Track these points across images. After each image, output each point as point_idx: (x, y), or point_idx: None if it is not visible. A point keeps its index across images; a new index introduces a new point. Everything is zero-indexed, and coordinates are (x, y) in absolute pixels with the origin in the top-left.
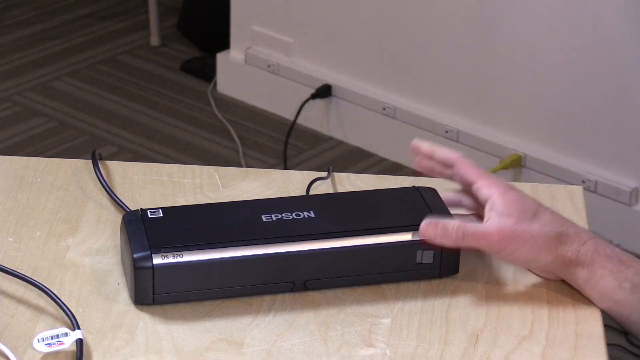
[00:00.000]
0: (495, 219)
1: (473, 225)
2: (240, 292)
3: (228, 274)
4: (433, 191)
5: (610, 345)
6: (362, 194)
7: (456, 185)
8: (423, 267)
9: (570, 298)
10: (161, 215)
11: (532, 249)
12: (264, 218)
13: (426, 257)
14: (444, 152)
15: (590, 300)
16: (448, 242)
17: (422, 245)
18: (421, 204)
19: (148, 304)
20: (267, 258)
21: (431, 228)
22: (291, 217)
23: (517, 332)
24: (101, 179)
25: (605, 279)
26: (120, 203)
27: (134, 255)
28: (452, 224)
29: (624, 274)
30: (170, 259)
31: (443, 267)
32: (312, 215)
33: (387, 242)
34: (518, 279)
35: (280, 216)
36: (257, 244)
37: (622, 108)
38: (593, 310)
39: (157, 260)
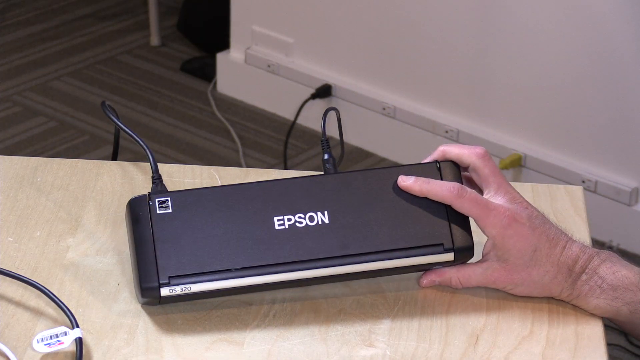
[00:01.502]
0: (490, 266)
1: (469, 275)
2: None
3: (236, 292)
4: (453, 166)
5: (610, 345)
6: (381, 176)
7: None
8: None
9: None
10: (170, 210)
11: (525, 291)
12: (276, 223)
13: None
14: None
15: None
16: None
17: (434, 265)
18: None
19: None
20: (278, 284)
21: (428, 281)
22: (304, 224)
23: (517, 332)
24: (118, 122)
25: (601, 305)
26: (141, 143)
27: (142, 285)
28: (449, 276)
29: (620, 300)
30: (178, 292)
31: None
32: (327, 220)
33: (399, 267)
34: None
35: (292, 220)
36: (268, 273)
37: (622, 108)
38: None
39: (165, 292)
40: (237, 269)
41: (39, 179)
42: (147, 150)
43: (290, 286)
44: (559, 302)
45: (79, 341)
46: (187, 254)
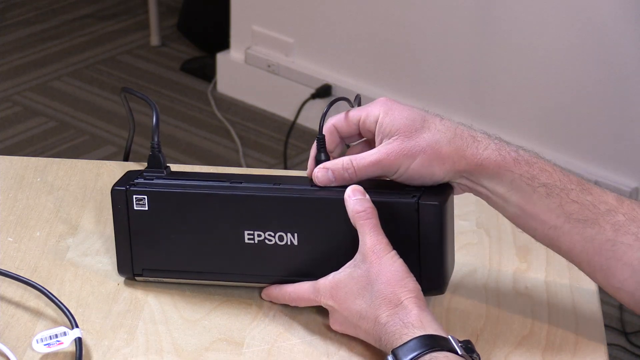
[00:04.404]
0: (383, 143)
1: (362, 157)
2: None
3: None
4: (435, 208)
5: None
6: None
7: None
8: None
9: (570, 298)
10: (146, 208)
11: (424, 163)
12: (246, 237)
13: None
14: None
15: (500, 211)
16: (345, 181)
17: None
18: (413, 230)
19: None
20: (241, 288)
21: (322, 174)
22: (273, 242)
23: (517, 332)
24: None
25: (517, 183)
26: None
27: (119, 273)
28: (340, 162)
29: (537, 179)
30: (151, 281)
31: (424, 286)
32: (295, 242)
33: None
34: (518, 279)
35: (262, 237)
36: (232, 280)
37: (622, 108)
38: (593, 311)
39: (139, 279)
40: (205, 272)
41: (39, 179)
42: (154, 109)
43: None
44: (559, 303)
45: (79, 341)
46: (159, 253)
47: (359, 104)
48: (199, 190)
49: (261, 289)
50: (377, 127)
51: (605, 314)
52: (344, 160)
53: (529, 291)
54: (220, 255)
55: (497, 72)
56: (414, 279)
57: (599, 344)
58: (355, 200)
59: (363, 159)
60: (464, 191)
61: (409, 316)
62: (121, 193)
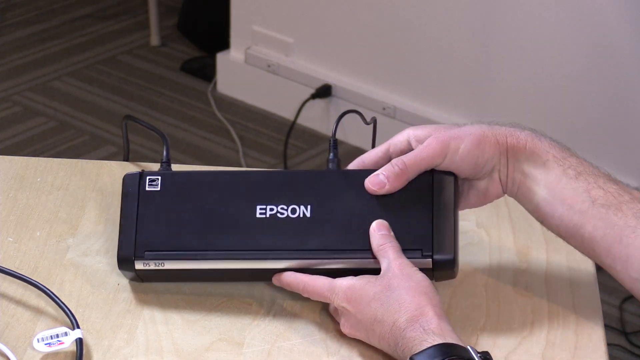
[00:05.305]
0: (428, 139)
1: (410, 152)
2: (227, 280)
3: (211, 277)
4: (448, 179)
5: (610, 345)
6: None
7: None
8: None
9: (570, 298)
10: (159, 189)
11: (473, 142)
12: (258, 211)
13: None
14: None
15: (527, 201)
16: (396, 175)
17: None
18: (426, 207)
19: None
20: (250, 271)
21: (374, 183)
22: (285, 215)
23: (517, 332)
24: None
25: (550, 164)
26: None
27: (118, 255)
28: (389, 165)
29: (568, 161)
30: (151, 266)
31: (436, 278)
32: (308, 214)
33: (373, 268)
34: (518, 279)
35: (275, 210)
36: (241, 259)
37: (622, 108)
38: (593, 310)
39: (139, 266)
40: (212, 251)
41: (39, 179)
42: (165, 141)
43: (266, 277)
44: (559, 303)
45: (80, 342)
46: (166, 232)
47: (375, 127)
48: (211, 171)
49: (263, 288)
50: (410, 140)
51: (605, 314)
52: (393, 161)
53: (529, 291)
54: (231, 231)
55: (497, 72)
56: (436, 290)
57: (599, 344)
58: (380, 235)
59: (411, 152)
60: (498, 187)
61: (430, 323)
62: (134, 176)
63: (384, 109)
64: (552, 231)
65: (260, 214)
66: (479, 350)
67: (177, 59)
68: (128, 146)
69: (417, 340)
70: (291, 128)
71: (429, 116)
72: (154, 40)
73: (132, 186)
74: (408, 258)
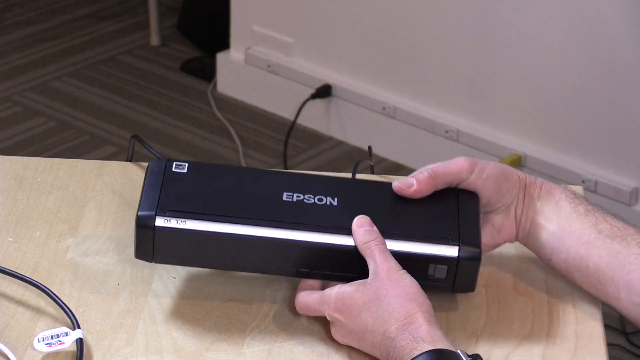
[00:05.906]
0: (457, 157)
1: (438, 163)
2: (240, 267)
3: (229, 248)
4: (473, 196)
5: (610, 345)
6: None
7: None
8: (435, 281)
9: (570, 298)
10: (185, 171)
11: (497, 168)
12: (284, 196)
13: (439, 272)
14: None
15: (535, 238)
16: (425, 184)
17: (435, 259)
18: (452, 210)
19: (148, 261)
20: (271, 241)
21: (402, 182)
22: (312, 201)
23: (517, 332)
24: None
25: (562, 203)
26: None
27: (139, 213)
28: (418, 171)
29: (579, 200)
30: (172, 224)
31: (457, 283)
32: (335, 203)
33: (399, 251)
34: (518, 279)
35: (301, 197)
36: (265, 226)
37: (622, 108)
38: (593, 310)
39: (160, 222)
40: (235, 217)
41: (39, 179)
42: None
43: (286, 263)
44: (559, 303)
45: (80, 342)
46: (190, 197)
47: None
48: (240, 167)
49: (263, 288)
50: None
51: (605, 314)
52: (420, 168)
53: (529, 291)
54: (255, 204)
55: (497, 73)
56: (424, 294)
57: (599, 344)
58: (364, 231)
59: (439, 163)
60: (512, 225)
61: (419, 330)
62: (160, 162)
63: (384, 109)
64: (560, 268)
65: (287, 198)
66: (470, 354)
67: (177, 59)
68: (131, 159)
69: (407, 349)
70: (291, 128)
71: (429, 116)
72: (154, 40)
73: (159, 167)
74: (433, 244)
